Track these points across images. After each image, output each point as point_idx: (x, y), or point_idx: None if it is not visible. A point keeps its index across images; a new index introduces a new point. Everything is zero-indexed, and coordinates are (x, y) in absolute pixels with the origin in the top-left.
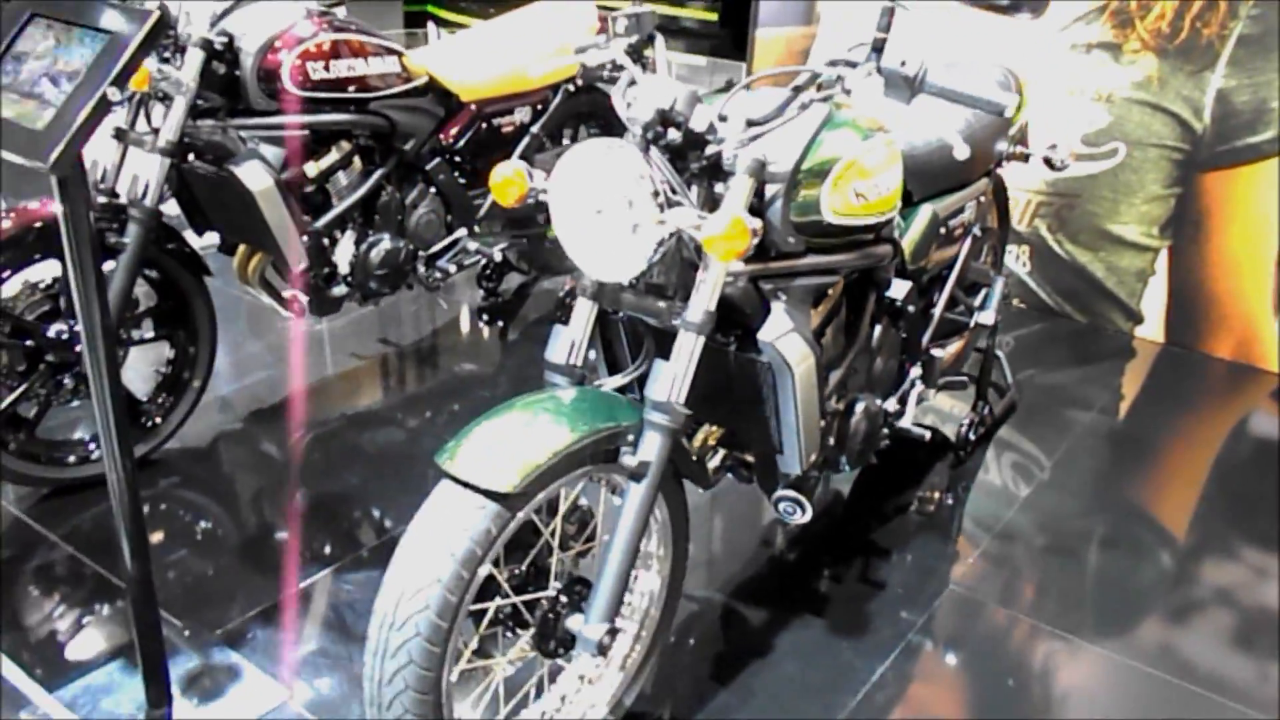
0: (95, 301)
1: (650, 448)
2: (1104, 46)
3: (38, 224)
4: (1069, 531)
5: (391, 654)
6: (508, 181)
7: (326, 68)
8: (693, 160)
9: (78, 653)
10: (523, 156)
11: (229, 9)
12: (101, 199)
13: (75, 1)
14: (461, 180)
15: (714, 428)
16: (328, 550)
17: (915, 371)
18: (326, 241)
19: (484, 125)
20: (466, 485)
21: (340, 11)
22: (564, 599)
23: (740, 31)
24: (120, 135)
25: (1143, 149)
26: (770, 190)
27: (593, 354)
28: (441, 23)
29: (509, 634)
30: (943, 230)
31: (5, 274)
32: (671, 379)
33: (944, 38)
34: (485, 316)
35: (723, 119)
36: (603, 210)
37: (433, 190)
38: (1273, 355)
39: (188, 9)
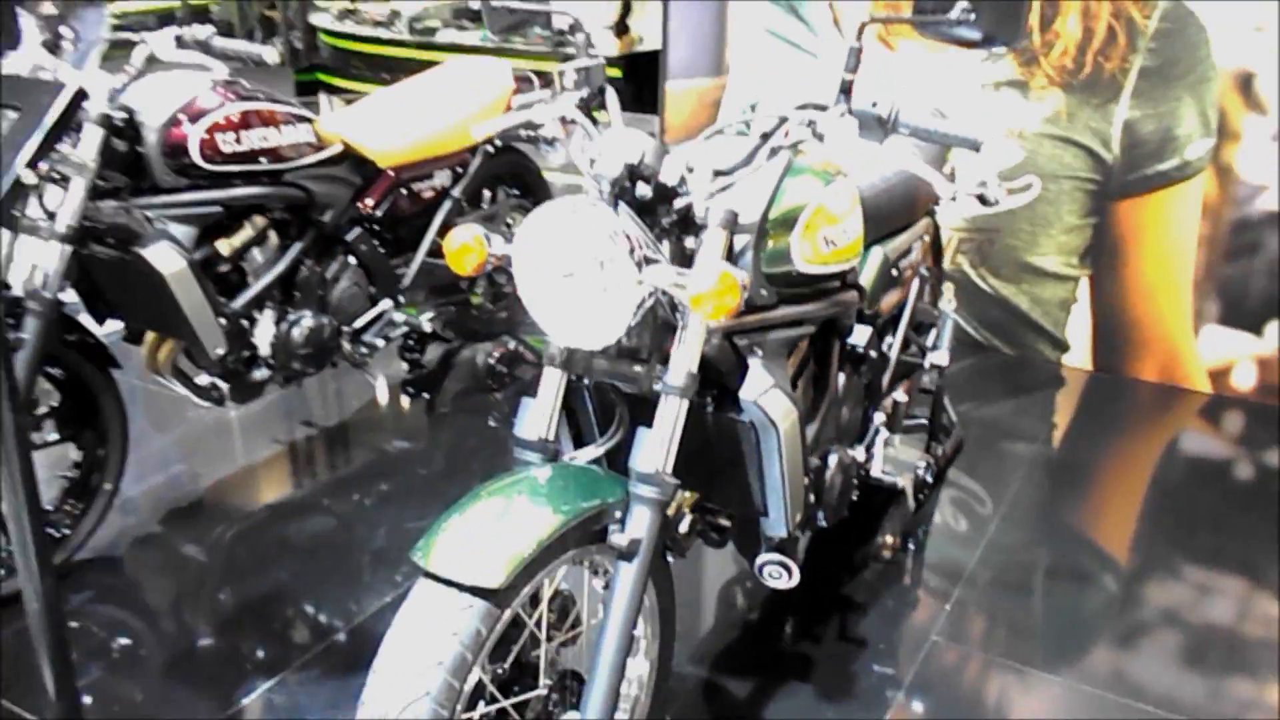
0: (5, 402)
1: (639, 524)
2: (1012, 84)
3: None
4: (1036, 569)
5: None
6: (465, 249)
7: (237, 139)
8: (662, 214)
9: None
10: (445, 223)
11: (128, 82)
12: None
13: None
14: (382, 250)
15: (687, 493)
16: (268, 659)
17: (879, 418)
18: (245, 323)
19: (403, 191)
20: (449, 583)
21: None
22: (555, 696)
23: (649, 84)
24: (10, 222)
25: (1057, 181)
26: (739, 242)
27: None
28: (333, 90)
29: None
30: (894, 272)
31: None
32: (657, 448)
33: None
34: (410, 390)
35: (689, 170)
36: (573, 273)
37: (354, 262)
38: (1197, 375)
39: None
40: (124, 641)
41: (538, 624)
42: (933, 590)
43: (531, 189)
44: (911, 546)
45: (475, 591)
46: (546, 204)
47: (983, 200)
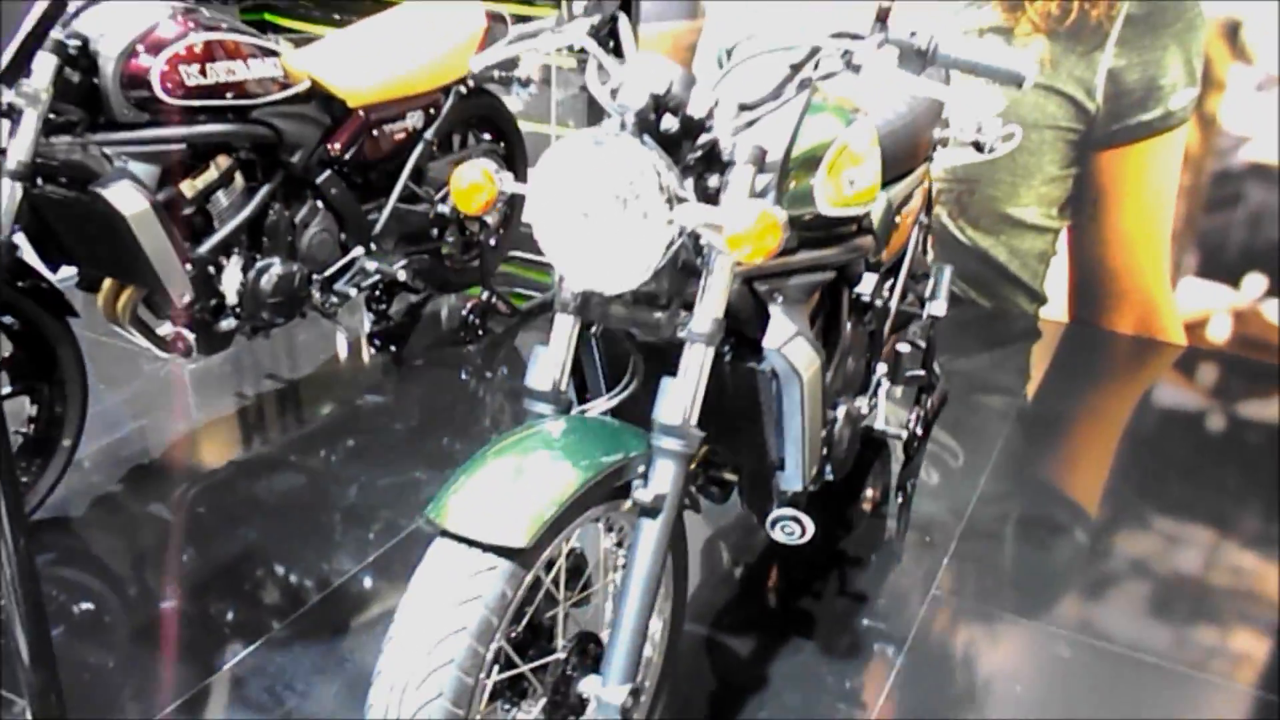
0: None
1: (664, 478)
2: (996, 30)
3: None
4: (1028, 521)
5: None
6: (475, 187)
7: (201, 72)
8: (687, 150)
9: None
10: (417, 166)
11: (81, 7)
12: None
13: None
14: (353, 194)
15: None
16: (245, 624)
17: (881, 369)
18: (212, 270)
19: (373, 133)
20: (470, 543)
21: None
22: (573, 660)
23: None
24: None
25: (1039, 131)
26: (761, 182)
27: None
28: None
29: (508, 706)
30: (896, 219)
31: None
32: (681, 399)
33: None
34: (377, 342)
35: (716, 102)
36: (593, 211)
37: (324, 206)
38: (1173, 327)
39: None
40: (88, 607)
41: (556, 585)
42: (929, 544)
43: (504, 133)
44: (900, 500)
45: (499, 551)
46: (568, 136)
47: (978, 147)
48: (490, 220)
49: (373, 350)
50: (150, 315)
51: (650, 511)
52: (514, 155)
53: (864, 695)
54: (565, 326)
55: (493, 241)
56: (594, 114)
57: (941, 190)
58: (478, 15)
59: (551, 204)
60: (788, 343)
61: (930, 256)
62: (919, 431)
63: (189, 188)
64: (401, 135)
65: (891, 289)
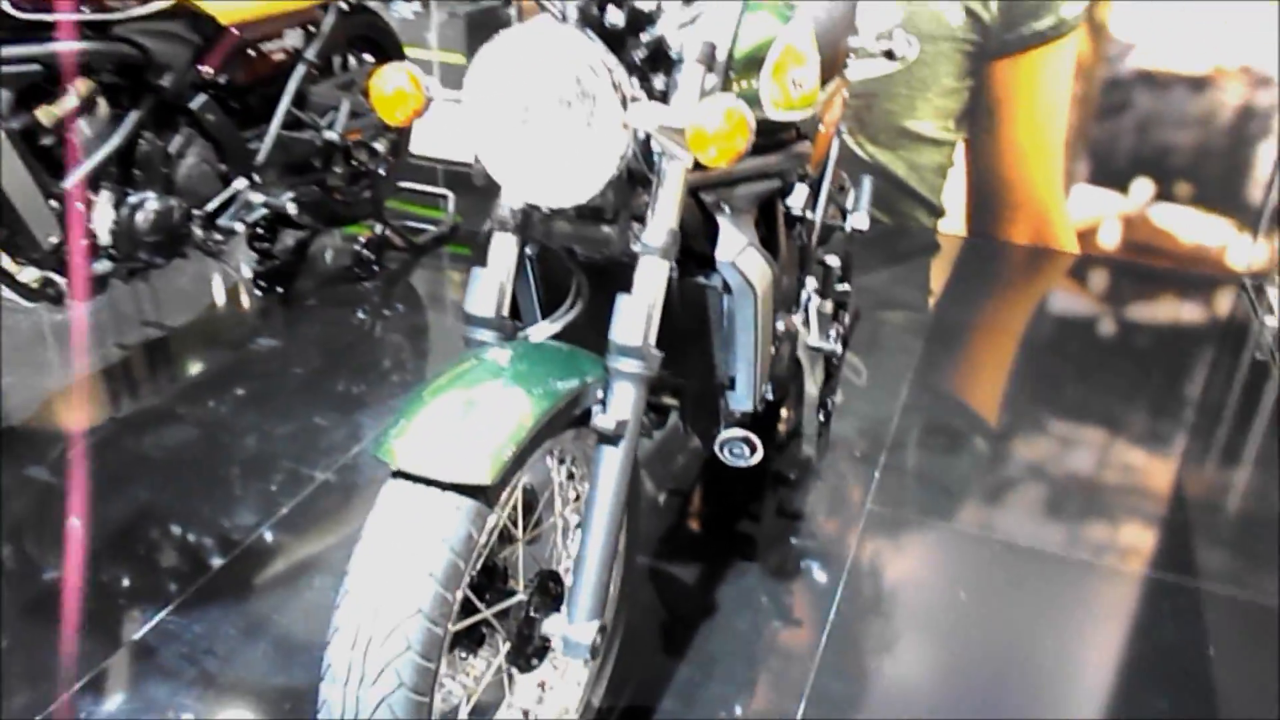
0: None
1: (623, 403)
2: None
3: None
4: (952, 431)
5: (368, 717)
6: (400, 95)
7: None
8: (632, 47)
9: None
10: (299, 90)
11: None
12: None
13: None
14: (232, 121)
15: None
16: (149, 590)
17: (811, 284)
18: (80, 207)
19: (249, 53)
20: (429, 483)
21: None
22: (536, 599)
23: None
24: None
25: (935, 43)
26: (709, 83)
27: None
28: None
29: (465, 655)
30: (820, 127)
31: None
32: (639, 318)
33: None
34: (263, 283)
35: None
36: (535, 116)
37: (200, 135)
38: (1066, 236)
39: None
40: None
41: (514, 523)
42: (859, 459)
43: (387, 53)
44: (821, 418)
45: (461, 490)
46: (507, 30)
47: (890, 55)
48: (380, 148)
49: (259, 292)
50: (9, 261)
51: (611, 439)
52: None
53: (813, 614)
54: (505, 246)
55: (383, 171)
56: (473, 40)
57: None
58: None
59: (488, 109)
60: (741, 254)
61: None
62: (839, 349)
63: (46, 115)
64: (280, 56)
65: (816, 202)
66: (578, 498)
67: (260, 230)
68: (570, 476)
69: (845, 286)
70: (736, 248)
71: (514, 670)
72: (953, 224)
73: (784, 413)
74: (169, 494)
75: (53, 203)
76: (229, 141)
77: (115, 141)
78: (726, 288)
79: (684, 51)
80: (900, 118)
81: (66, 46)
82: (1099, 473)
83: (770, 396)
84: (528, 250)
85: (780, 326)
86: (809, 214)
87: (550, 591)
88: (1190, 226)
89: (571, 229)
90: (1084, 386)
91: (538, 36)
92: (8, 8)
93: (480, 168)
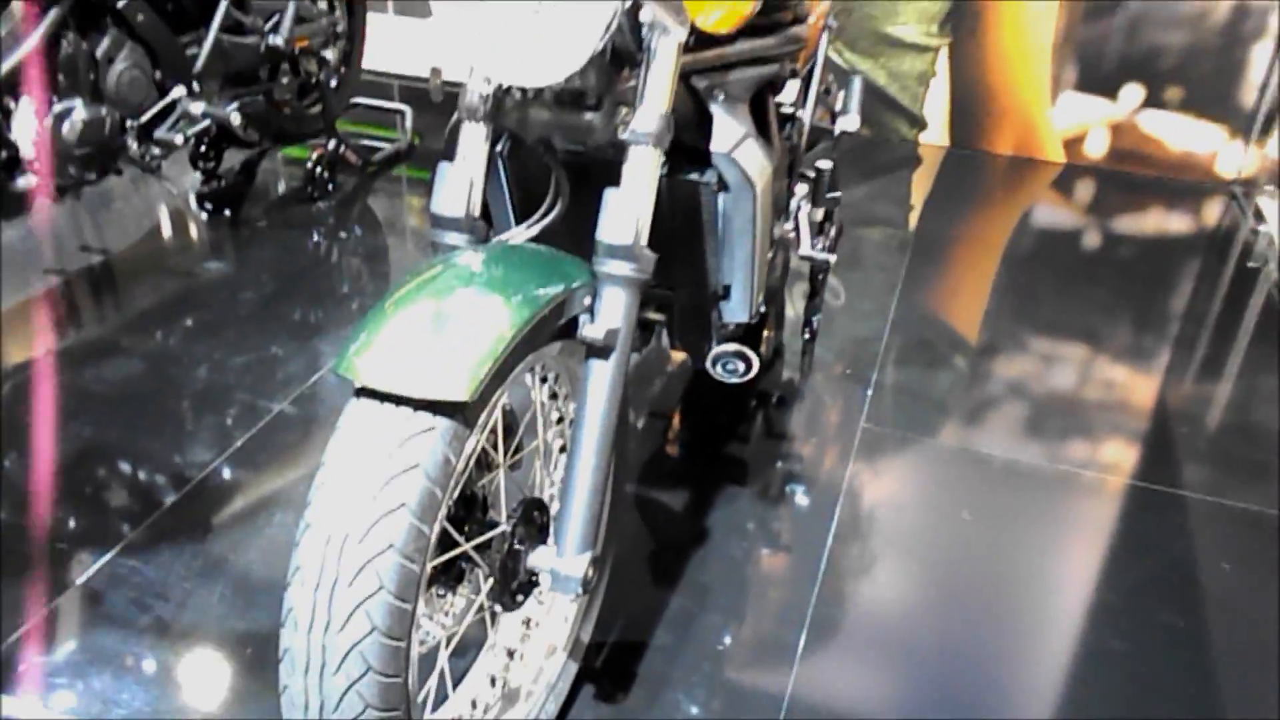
0: None
1: (614, 310)
2: None
3: None
4: (946, 347)
5: (337, 666)
6: None
7: None
8: None
9: None
10: None
11: None
12: None
13: None
14: (165, 23)
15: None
16: (95, 532)
17: (801, 189)
18: None
19: None
20: (400, 401)
21: None
22: (521, 530)
23: None
24: None
25: None
26: None
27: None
28: None
29: (443, 592)
30: (811, 19)
31: None
32: (630, 214)
33: None
34: (209, 205)
35: None
36: None
37: (130, 37)
38: (1051, 145)
39: None
40: None
41: (494, 446)
42: (849, 376)
43: None
44: (807, 335)
45: (436, 409)
46: None
47: None
48: (330, 57)
49: (205, 214)
50: None
51: (601, 351)
52: None
53: (811, 538)
54: (475, 137)
55: (334, 83)
56: None
57: None
58: None
59: None
60: (738, 145)
61: None
62: (826, 261)
63: None
64: None
65: (805, 101)
66: (560, 419)
67: (204, 148)
68: (553, 396)
69: (836, 194)
70: (734, 139)
71: (497, 608)
72: (934, 135)
73: (765, 332)
74: (114, 430)
75: None
76: (162, 45)
77: (32, 43)
78: (721, 185)
79: None
80: (881, 22)
81: None
82: (1083, 389)
83: (764, 308)
84: (499, 148)
85: (775, 233)
86: (799, 113)
87: (535, 522)
88: (1180, 133)
89: (550, 116)
90: (1073, 299)
91: None
92: None
93: (438, 83)
